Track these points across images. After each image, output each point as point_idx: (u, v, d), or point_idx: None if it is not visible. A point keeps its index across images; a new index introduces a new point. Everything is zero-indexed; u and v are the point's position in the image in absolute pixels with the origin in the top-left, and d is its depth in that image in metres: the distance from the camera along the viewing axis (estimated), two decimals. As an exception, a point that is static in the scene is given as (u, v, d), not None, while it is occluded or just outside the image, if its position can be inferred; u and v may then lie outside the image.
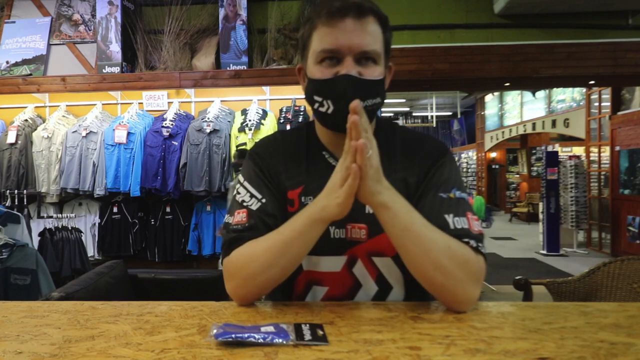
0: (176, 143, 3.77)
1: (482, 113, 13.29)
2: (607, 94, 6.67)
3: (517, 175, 12.62)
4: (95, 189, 3.79)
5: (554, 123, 8.99)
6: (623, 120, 6.29)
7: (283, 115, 3.81)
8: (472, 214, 0.83)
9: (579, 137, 8.06)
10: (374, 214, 0.78)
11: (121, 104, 4.17)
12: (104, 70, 3.89)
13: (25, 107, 4.11)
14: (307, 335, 0.63)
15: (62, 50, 4.14)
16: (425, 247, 0.75)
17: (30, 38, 4.11)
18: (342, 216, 0.76)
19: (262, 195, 0.86)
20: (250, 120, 3.73)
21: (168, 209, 3.90)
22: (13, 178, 3.83)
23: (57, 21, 4.15)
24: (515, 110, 11.34)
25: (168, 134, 3.76)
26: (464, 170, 15.06)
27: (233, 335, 0.61)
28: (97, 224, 3.97)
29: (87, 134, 3.80)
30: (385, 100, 0.92)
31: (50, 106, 4.21)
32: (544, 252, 6.56)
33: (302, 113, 3.79)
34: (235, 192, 0.90)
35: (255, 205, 0.85)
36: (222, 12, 3.86)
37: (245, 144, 3.70)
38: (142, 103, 4.04)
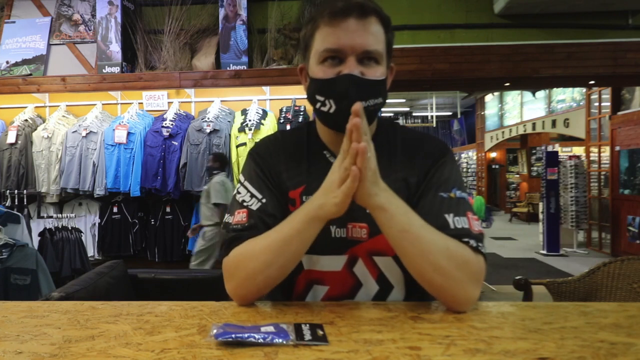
0: (176, 143, 3.78)
1: (482, 113, 13.29)
2: (607, 94, 6.67)
3: (517, 175, 12.61)
4: (95, 189, 3.79)
5: (554, 123, 8.99)
6: (623, 120, 6.29)
7: (283, 115, 3.81)
8: (472, 213, 0.83)
9: (579, 137, 8.06)
10: None
11: (121, 104, 4.18)
12: (104, 70, 3.89)
13: (25, 107, 4.11)
14: (307, 335, 0.63)
15: (62, 50, 4.14)
16: (424, 249, 0.75)
17: (30, 38, 4.11)
18: (339, 215, 0.76)
19: (263, 195, 0.86)
20: (250, 120, 3.73)
21: (168, 209, 3.90)
22: (13, 178, 3.83)
23: (57, 21, 4.15)
24: (515, 110, 11.33)
25: (168, 134, 3.76)
26: (464, 170, 15.06)
27: (233, 335, 0.61)
28: (97, 224, 3.98)
29: (87, 134, 3.80)
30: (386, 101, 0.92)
31: (50, 106, 4.22)
32: (544, 252, 6.55)
33: (302, 113, 3.79)
34: (235, 191, 0.90)
35: (255, 205, 0.85)
36: (222, 12, 3.86)
37: (245, 143, 3.70)
38: (142, 103, 4.05)
